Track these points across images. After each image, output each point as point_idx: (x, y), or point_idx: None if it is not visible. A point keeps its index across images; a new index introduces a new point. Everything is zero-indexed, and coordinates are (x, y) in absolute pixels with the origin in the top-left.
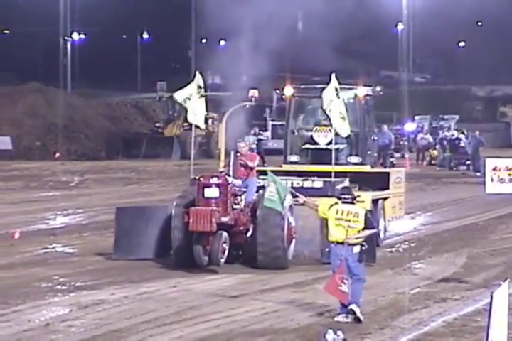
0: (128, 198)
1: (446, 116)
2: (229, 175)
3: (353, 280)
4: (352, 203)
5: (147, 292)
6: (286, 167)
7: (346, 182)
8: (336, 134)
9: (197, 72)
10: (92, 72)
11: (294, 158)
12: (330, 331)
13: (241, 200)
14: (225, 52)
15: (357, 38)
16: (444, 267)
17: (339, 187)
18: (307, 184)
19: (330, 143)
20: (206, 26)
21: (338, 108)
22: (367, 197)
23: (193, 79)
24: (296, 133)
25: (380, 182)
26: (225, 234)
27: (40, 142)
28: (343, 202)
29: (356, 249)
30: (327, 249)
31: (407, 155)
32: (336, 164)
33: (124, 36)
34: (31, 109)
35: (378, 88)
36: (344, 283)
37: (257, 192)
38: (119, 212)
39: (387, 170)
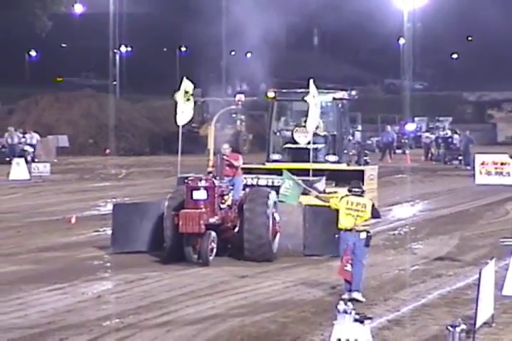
0: (168, 188)
1: (441, 118)
2: (216, 177)
3: (355, 263)
4: (361, 196)
5: (184, 269)
6: (268, 165)
7: (323, 181)
8: (315, 134)
9: (184, 78)
10: (137, 80)
11: (276, 156)
12: (341, 302)
13: (228, 198)
14: (250, 62)
15: (365, 50)
16: (439, 247)
17: (316, 185)
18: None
19: (309, 143)
20: (235, 40)
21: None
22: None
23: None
24: (278, 134)
25: (356, 179)
26: (213, 233)
27: (93, 140)
28: (353, 195)
29: (363, 235)
30: (336, 236)
31: (407, 152)
32: (315, 162)
33: (165, 49)
34: (86, 111)
35: (354, 92)
36: (349, 264)
37: (244, 190)
38: (115, 208)
39: (361, 167)
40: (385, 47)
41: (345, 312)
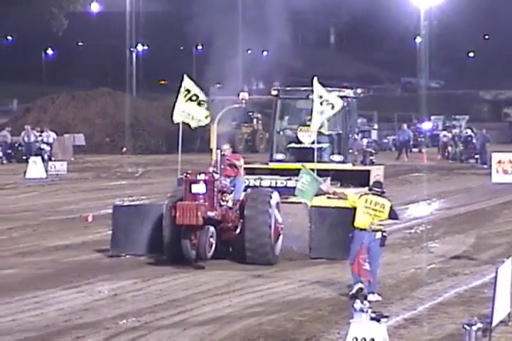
0: None
1: (457, 116)
2: (217, 173)
3: (371, 262)
4: (380, 195)
5: (200, 268)
6: (272, 165)
7: (328, 181)
8: (319, 133)
9: (185, 76)
10: (153, 78)
11: (279, 156)
12: (357, 301)
13: (230, 198)
14: (266, 61)
15: (381, 49)
16: (455, 246)
17: (321, 186)
18: (291, 183)
19: (314, 142)
20: (251, 39)
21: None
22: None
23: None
24: (281, 133)
25: (361, 179)
26: (211, 228)
27: (109, 138)
28: (373, 194)
29: (378, 234)
30: (350, 234)
31: (423, 150)
32: (319, 162)
33: (182, 48)
34: (102, 110)
35: (359, 90)
36: (366, 262)
37: (245, 190)
38: (115, 210)
39: (367, 167)
40: (401, 46)
41: (362, 310)
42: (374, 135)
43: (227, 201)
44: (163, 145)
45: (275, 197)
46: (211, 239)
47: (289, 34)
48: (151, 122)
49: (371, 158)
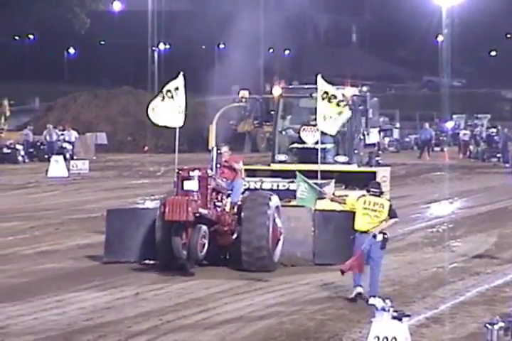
0: None
1: (479, 115)
2: (212, 170)
3: (371, 266)
4: (379, 196)
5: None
6: (274, 166)
7: (331, 184)
8: (323, 133)
9: (180, 74)
10: (175, 77)
11: (281, 157)
12: (379, 300)
13: (227, 202)
14: (288, 59)
15: (403, 47)
16: (477, 245)
17: (324, 188)
18: (293, 186)
19: (317, 142)
20: (273, 38)
21: (324, 111)
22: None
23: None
24: (284, 133)
25: (367, 181)
26: (204, 227)
27: (131, 137)
28: (371, 195)
29: (379, 237)
30: (351, 237)
31: (445, 149)
32: (324, 163)
33: (203, 47)
34: (124, 109)
35: (365, 88)
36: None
37: (243, 193)
38: (109, 214)
39: (373, 169)
40: (423, 45)
41: (384, 309)
42: (396, 134)
43: (225, 203)
44: (185, 143)
45: (274, 200)
46: (203, 239)
47: (312, 33)
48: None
49: (377, 158)
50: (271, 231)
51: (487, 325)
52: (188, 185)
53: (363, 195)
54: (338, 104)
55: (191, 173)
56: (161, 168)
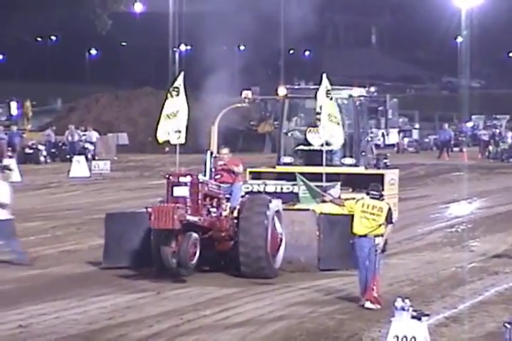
0: None
1: (498, 116)
2: (204, 175)
3: (369, 269)
4: (378, 199)
5: None
6: (279, 168)
7: (337, 187)
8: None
9: (181, 73)
10: (196, 77)
11: (287, 159)
12: (399, 299)
13: (227, 206)
14: (308, 61)
15: (423, 48)
16: (496, 245)
17: (330, 191)
18: (297, 189)
19: (323, 144)
20: (293, 39)
21: (328, 110)
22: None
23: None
24: (289, 135)
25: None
26: (194, 235)
27: (152, 138)
28: (371, 198)
29: (378, 240)
30: (351, 241)
31: (464, 149)
32: (330, 165)
33: (224, 48)
34: (145, 109)
35: (372, 89)
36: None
37: (243, 197)
38: (108, 218)
39: (381, 171)
40: (442, 46)
41: (403, 309)
42: (415, 134)
43: (223, 208)
44: (205, 144)
45: (273, 205)
46: (194, 247)
47: (331, 34)
48: (193, 121)
49: (385, 161)
50: (269, 240)
51: (506, 324)
52: (178, 191)
53: (362, 198)
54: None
55: (181, 179)
56: (182, 168)
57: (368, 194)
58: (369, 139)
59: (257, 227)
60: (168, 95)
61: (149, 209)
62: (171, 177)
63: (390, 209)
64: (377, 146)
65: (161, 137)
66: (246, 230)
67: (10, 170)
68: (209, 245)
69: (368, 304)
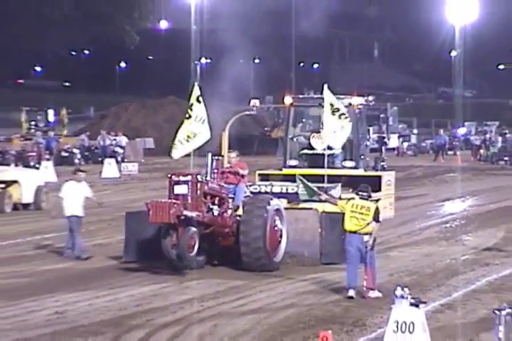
0: None
1: (488, 123)
2: (207, 176)
3: (366, 266)
4: (366, 199)
5: None
6: (285, 171)
7: (338, 187)
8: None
9: (195, 84)
10: (215, 88)
11: (293, 162)
12: (398, 288)
13: (229, 204)
14: (317, 72)
15: (420, 61)
16: (487, 239)
17: (331, 191)
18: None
19: (326, 148)
20: (303, 53)
21: (331, 122)
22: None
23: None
24: (294, 140)
25: (373, 184)
26: (193, 229)
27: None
28: (360, 198)
29: (366, 237)
30: (342, 237)
31: (458, 153)
32: (332, 168)
33: (241, 61)
34: (169, 116)
35: (371, 98)
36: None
37: (246, 197)
38: (128, 216)
39: (379, 173)
40: (438, 59)
41: (402, 297)
42: (413, 139)
43: (227, 206)
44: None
45: (274, 203)
46: (192, 240)
47: (338, 49)
48: (213, 127)
49: (382, 163)
50: (268, 233)
51: (495, 311)
52: (179, 189)
53: (352, 198)
54: (339, 117)
55: (181, 178)
56: (203, 169)
57: (357, 194)
58: (367, 144)
59: (258, 219)
60: (195, 102)
61: (148, 205)
62: (172, 176)
63: (377, 208)
64: (374, 150)
65: (175, 156)
66: (247, 221)
67: (83, 172)
68: (214, 240)
69: (370, 293)
